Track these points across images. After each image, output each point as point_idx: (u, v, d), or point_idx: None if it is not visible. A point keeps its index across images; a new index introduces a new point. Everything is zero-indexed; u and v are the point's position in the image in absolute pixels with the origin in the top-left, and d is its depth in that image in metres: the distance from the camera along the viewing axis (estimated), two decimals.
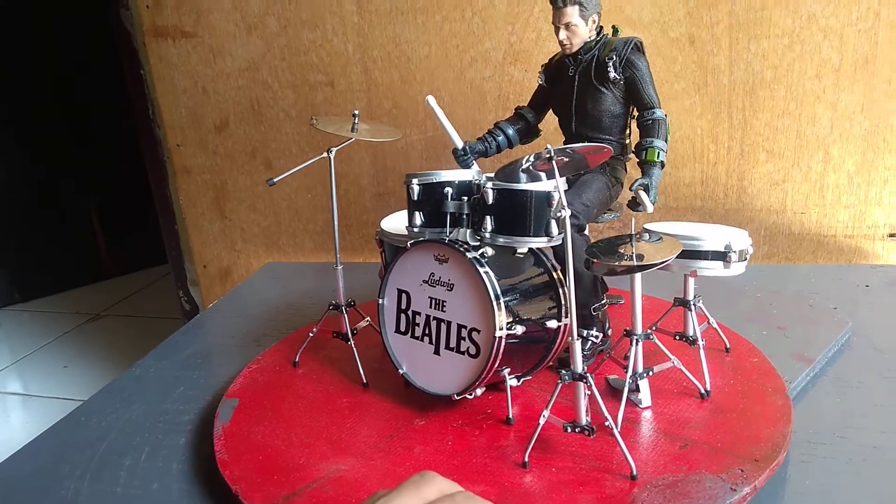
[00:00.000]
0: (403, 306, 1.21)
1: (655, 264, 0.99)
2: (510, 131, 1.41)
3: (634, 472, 0.94)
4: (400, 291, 1.21)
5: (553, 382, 1.19)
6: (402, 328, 1.21)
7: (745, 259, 1.15)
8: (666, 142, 1.25)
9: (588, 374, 0.96)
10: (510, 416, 1.11)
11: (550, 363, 1.22)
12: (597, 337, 1.26)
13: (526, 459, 1.00)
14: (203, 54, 2.01)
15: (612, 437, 0.98)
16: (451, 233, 1.16)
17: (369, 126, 1.38)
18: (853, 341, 1.37)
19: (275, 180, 1.34)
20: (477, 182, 1.14)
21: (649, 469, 0.96)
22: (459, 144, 1.37)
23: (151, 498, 1.04)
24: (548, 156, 0.97)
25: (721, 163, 1.79)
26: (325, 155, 1.31)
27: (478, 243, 1.12)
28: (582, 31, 1.24)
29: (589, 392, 0.98)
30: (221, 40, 1.98)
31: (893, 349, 1.31)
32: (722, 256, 1.13)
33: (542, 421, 0.99)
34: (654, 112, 1.25)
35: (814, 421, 1.10)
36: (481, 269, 1.06)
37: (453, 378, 1.13)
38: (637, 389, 1.11)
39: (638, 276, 1.06)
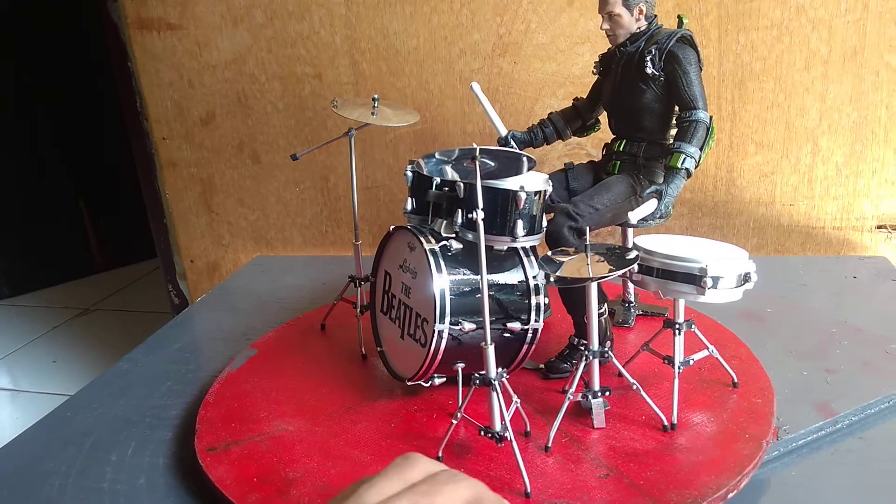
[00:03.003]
0: (386, 287, 1.23)
1: (583, 280, 0.97)
2: (560, 123, 1.37)
3: (528, 490, 0.92)
4: (385, 273, 1.23)
5: (533, 386, 1.19)
6: (384, 308, 1.24)
7: (738, 286, 1.03)
8: (701, 149, 1.15)
9: (495, 381, 0.95)
10: (462, 414, 1.10)
11: (540, 365, 1.22)
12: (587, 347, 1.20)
13: (440, 455, 1.01)
14: (189, 46, 1.99)
15: (536, 449, 1.01)
16: (432, 222, 1.16)
17: (390, 110, 1.36)
18: (844, 334, 1.34)
19: (298, 155, 1.40)
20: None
21: (550, 491, 0.93)
22: (503, 133, 1.34)
23: (138, 493, 1.03)
24: (471, 156, 0.95)
25: (710, 154, 1.78)
26: (345, 135, 1.34)
27: (453, 236, 1.11)
28: (626, 21, 1.18)
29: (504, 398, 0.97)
30: (207, 32, 1.96)
31: (880, 340, 1.32)
32: (695, 280, 1.01)
33: (454, 421, 1.00)
34: (693, 113, 1.15)
35: (798, 411, 1.09)
36: (432, 261, 1.06)
37: (409, 364, 1.14)
38: (590, 408, 1.06)
39: (593, 289, 1.02)
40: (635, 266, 1.03)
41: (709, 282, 1.00)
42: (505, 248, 1.12)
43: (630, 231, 1.34)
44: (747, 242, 1.84)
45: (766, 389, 1.14)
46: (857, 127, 1.70)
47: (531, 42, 1.79)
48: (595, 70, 1.32)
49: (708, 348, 1.11)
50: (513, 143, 1.35)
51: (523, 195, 1.07)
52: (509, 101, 1.85)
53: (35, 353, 2.79)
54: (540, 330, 1.13)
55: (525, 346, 1.14)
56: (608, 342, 1.20)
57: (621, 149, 1.26)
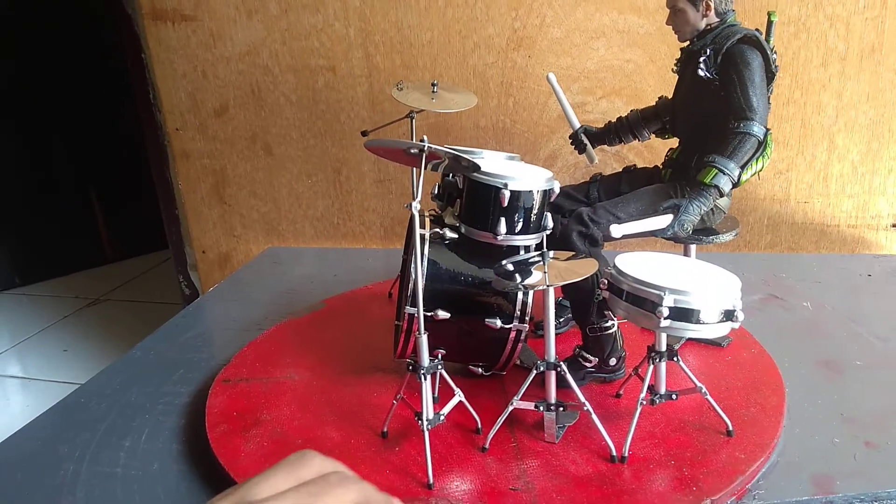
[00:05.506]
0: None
1: (529, 286, 0.96)
2: (638, 122, 1.26)
3: (431, 482, 0.96)
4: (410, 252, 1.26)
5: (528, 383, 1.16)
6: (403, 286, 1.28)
7: (695, 322, 0.91)
8: (742, 167, 1.03)
9: (423, 372, 0.97)
10: (435, 395, 1.11)
11: (540, 367, 1.21)
12: (590, 361, 1.13)
13: (384, 430, 1.06)
14: (203, 38, 1.99)
15: (474, 447, 1.03)
16: (444, 210, 1.17)
17: (449, 94, 1.38)
18: (852, 328, 1.32)
19: (369, 131, 1.41)
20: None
21: (453, 487, 0.96)
22: (576, 126, 1.31)
23: (151, 479, 1.04)
24: (418, 149, 0.96)
25: None
26: (407, 116, 1.39)
27: (456, 224, 1.11)
28: (692, 17, 1.08)
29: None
30: (221, 24, 1.96)
31: (894, 338, 1.31)
32: (651, 308, 0.92)
33: (394, 402, 1.05)
34: (745, 124, 1.02)
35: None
36: (417, 246, 1.04)
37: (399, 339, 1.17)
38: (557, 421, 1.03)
39: (551, 298, 0.99)
40: (605, 282, 1.00)
41: (663, 312, 0.91)
42: (506, 245, 1.10)
43: (692, 246, 1.22)
44: (761, 240, 1.83)
45: (760, 447, 0.99)
46: (874, 125, 1.68)
47: (546, 36, 1.79)
48: (674, 68, 1.21)
49: (696, 385, 1.01)
50: (583, 137, 1.29)
51: (507, 193, 1.03)
52: (522, 95, 1.84)
53: (46, 342, 2.80)
54: (525, 332, 1.11)
55: (509, 346, 1.12)
56: (613, 358, 1.14)
57: (675, 156, 1.18)
